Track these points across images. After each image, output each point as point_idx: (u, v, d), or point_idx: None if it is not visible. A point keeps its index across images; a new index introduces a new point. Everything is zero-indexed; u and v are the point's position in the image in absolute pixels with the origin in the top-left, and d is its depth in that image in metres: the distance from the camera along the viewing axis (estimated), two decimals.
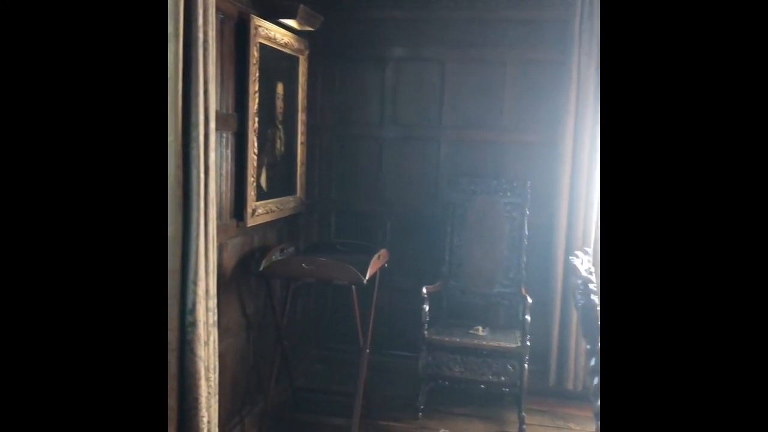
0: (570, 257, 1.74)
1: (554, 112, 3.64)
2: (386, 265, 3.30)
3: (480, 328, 3.46)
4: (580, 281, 1.58)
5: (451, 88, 3.86)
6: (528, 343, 3.28)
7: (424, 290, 3.39)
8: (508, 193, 3.68)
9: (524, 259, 3.62)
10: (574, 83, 3.50)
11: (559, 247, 3.57)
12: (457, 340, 3.36)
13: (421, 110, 3.92)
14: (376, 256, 3.06)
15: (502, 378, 3.30)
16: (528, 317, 3.32)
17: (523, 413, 3.26)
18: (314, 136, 3.88)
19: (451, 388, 3.41)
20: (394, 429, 3.24)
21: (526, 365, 3.27)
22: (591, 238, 3.55)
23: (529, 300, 3.36)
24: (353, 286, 2.92)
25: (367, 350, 3.12)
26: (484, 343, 3.35)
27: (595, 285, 1.74)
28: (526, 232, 3.62)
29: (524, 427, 3.24)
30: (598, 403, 1.54)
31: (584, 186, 3.54)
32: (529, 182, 3.65)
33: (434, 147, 3.90)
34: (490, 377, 3.31)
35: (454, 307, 3.71)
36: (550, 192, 3.63)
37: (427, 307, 3.35)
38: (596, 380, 1.56)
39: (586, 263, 1.84)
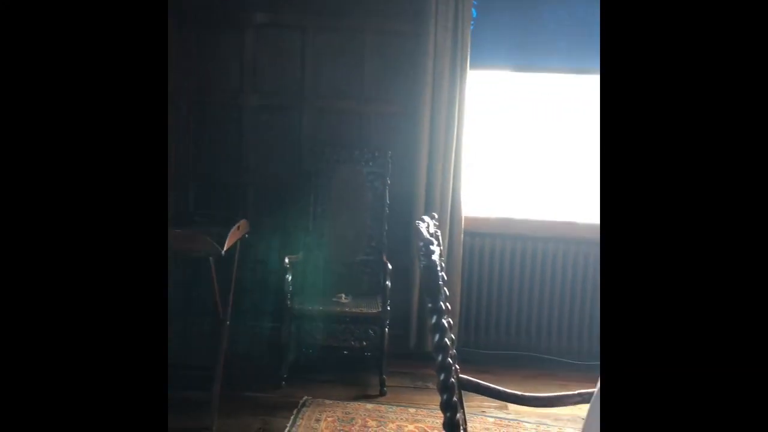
0: (416, 221, 1.79)
1: (413, 83, 3.72)
2: (247, 235, 3.25)
3: (343, 296, 3.52)
4: (421, 243, 1.63)
5: (313, 57, 3.83)
6: (389, 309, 3.37)
7: (287, 260, 3.39)
8: (370, 163, 3.73)
9: (386, 227, 3.70)
10: (431, 55, 3.59)
11: (418, 215, 3.68)
12: (320, 308, 3.39)
13: (282, 79, 3.86)
14: (235, 227, 3.00)
15: (364, 343, 3.38)
16: (389, 283, 3.41)
17: (384, 376, 3.36)
18: (170, 104, 3.71)
19: (314, 356, 3.45)
20: (258, 399, 3.23)
21: (387, 330, 3.37)
22: (448, 206, 3.69)
23: (390, 267, 3.46)
24: (211, 258, 2.85)
25: (228, 322, 3.08)
26: (346, 310, 3.41)
27: (436, 246, 1.81)
28: (388, 201, 3.70)
29: (385, 389, 3.35)
30: (440, 357, 1.62)
31: (441, 156, 3.66)
32: (390, 152, 3.72)
33: (296, 116, 3.87)
34: (353, 343, 3.38)
35: (318, 277, 3.73)
36: (410, 162, 3.72)
37: (289, 277, 3.35)
38: (437, 336, 1.63)
39: (432, 227, 1.91)
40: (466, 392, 2.19)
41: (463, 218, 3.74)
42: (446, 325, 1.66)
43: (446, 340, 1.63)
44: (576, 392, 2.00)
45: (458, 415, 1.89)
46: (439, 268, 1.76)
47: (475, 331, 3.88)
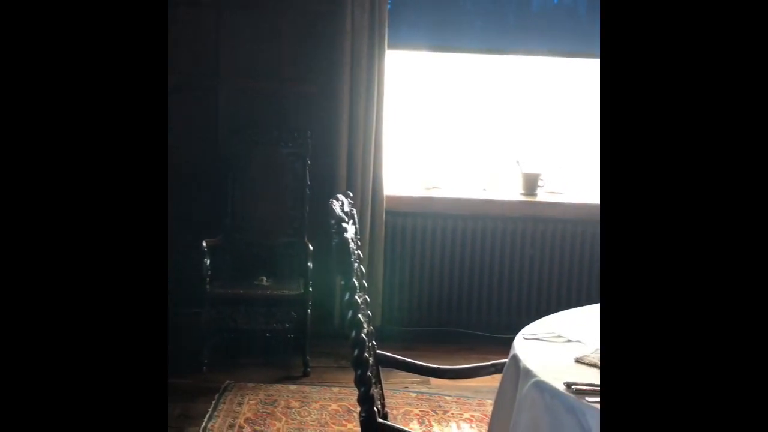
0: (330, 200, 1.79)
1: (332, 63, 3.69)
2: None
3: (264, 279, 3.48)
4: (333, 221, 1.64)
5: (229, 36, 3.74)
6: (311, 290, 3.37)
7: (204, 244, 3.32)
8: (290, 144, 3.69)
9: (307, 208, 3.68)
10: (349, 34, 3.57)
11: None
12: (241, 291, 3.35)
13: (197, 58, 3.76)
14: None
15: (287, 325, 3.36)
16: (310, 265, 3.40)
17: (308, 357, 3.37)
18: None
19: (236, 340, 3.41)
20: (178, 385, 3.16)
21: (309, 311, 3.37)
22: (369, 185, 3.70)
23: (311, 248, 3.44)
24: None
25: None
26: (267, 292, 3.38)
27: (350, 224, 1.82)
28: (309, 182, 3.67)
29: (308, 369, 3.35)
30: (353, 333, 1.64)
31: (362, 135, 3.66)
32: (309, 132, 3.68)
33: (212, 97, 3.77)
34: (275, 325, 3.36)
35: (239, 260, 3.68)
36: (331, 142, 3.71)
37: (208, 261, 3.29)
38: (350, 313, 1.64)
39: (347, 205, 1.91)
40: (387, 368, 2.23)
41: (384, 197, 3.76)
42: (359, 302, 1.68)
43: (360, 316, 1.65)
44: (490, 363, 2.06)
45: (375, 390, 1.92)
46: (353, 246, 1.77)
47: (399, 309, 3.93)
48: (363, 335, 1.63)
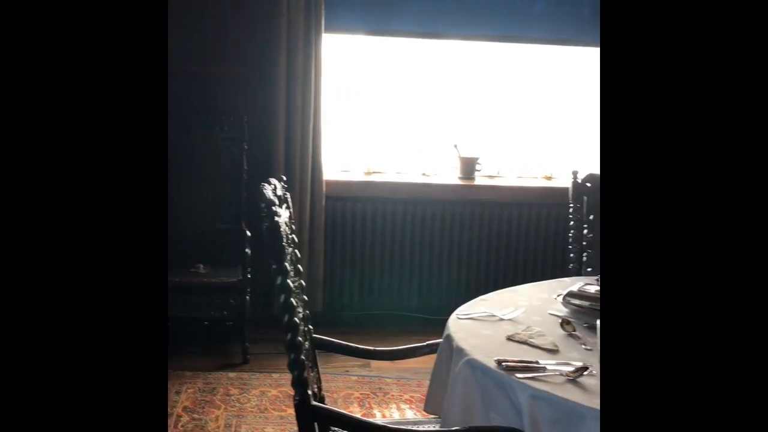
0: (261, 184, 1.77)
1: (268, 46, 3.63)
2: None
3: (201, 266, 3.43)
4: (264, 205, 1.62)
5: None
6: (249, 276, 3.33)
7: None
8: (226, 128, 3.62)
9: (245, 194, 3.62)
10: (285, 16, 3.52)
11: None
12: (177, 279, 3.28)
13: None
14: None
15: (225, 312, 3.32)
16: (248, 251, 3.36)
17: (247, 344, 3.34)
18: None
19: (174, 328, 3.34)
20: None
21: (248, 297, 3.33)
22: (308, 170, 3.67)
23: (249, 234, 3.40)
24: None
25: None
26: (204, 280, 3.33)
27: (283, 208, 1.80)
28: (246, 167, 3.62)
29: (248, 356, 3.33)
30: (286, 318, 1.63)
31: (299, 119, 3.62)
32: (246, 116, 3.62)
33: None
34: (213, 313, 3.31)
35: (175, 247, 3.58)
36: (268, 126, 3.66)
37: None
38: (282, 297, 1.63)
39: (280, 189, 1.89)
40: (327, 352, 2.22)
41: (324, 182, 3.74)
42: (292, 286, 1.67)
43: (293, 300, 1.64)
44: (425, 344, 2.09)
45: (312, 373, 1.92)
46: (286, 230, 1.76)
47: (341, 294, 3.93)
48: (296, 319, 1.62)
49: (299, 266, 1.97)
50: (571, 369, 1.57)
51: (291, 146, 3.64)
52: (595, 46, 4.00)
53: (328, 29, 3.65)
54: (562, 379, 1.54)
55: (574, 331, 1.86)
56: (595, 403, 1.43)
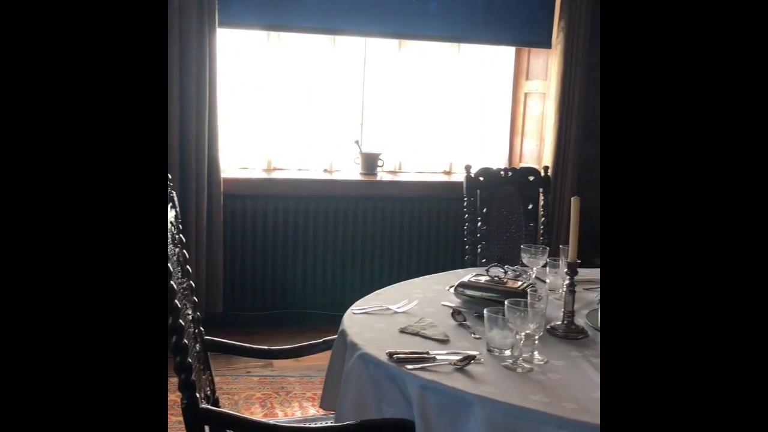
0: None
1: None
2: None
3: None
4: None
5: None
6: None
7: None
8: None
9: None
10: (177, 10, 3.40)
11: (174, 181, 3.52)
12: None
13: None
14: None
15: None
16: None
17: None
18: None
19: None
20: None
21: None
22: (204, 169, 3.57)
23: None
24: None
25: None
26: None
27: (168, 208, 1.74)
28: None
29: None
30: (171, 320, 1.57)
31: (194, 117, 3.51)
32: None
33: None
34: None
35: None
36: None
37: None
38: (168, 299, 1.57)
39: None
40: (227, 354, 2.16)
41: (222, 180, 3.65)
42: (176, 287, 1.61)
43: (176, 302, 1.59)
44: (321, 340, 2.08)
45: (204, 376, 1.87)
46: (171, 230, 1.70)
47: (242, 294, 3.86)
48: (181, 322, 1.57)
49: (188, 267, 1.91)
50: (459, 358, 1.61)
51: (185, 144, 3.52)
52: (488, 43, 4.12)
53: (223, 24, 3.56)
54: (451, 368, 1.58)
55: (465, 320, 1.90)
56: (481, 390, 1.48)
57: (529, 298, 1.69)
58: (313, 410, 2.86)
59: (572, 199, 1.94)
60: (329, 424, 1.74)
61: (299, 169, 4.04)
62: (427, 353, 1.64)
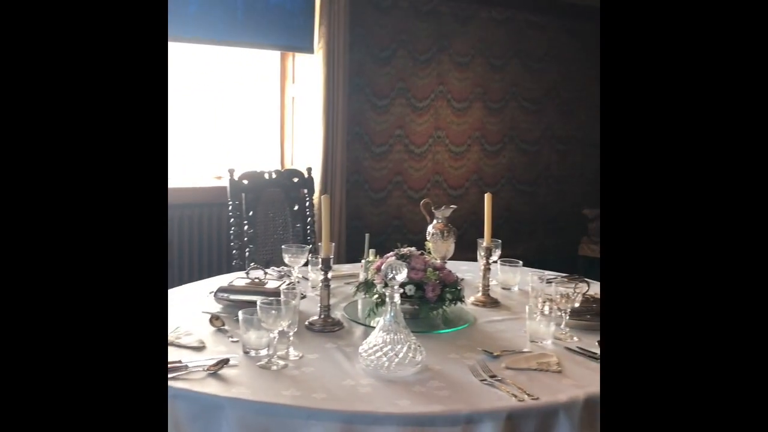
0: None
1: None
2: None
3: None
4: None
5: None
6: None
7: None
8: None
9: None
10: None
11: None
12: None
13: None
14: None
15: None
16: None
17: None
18: None
19: None
20: None
21: None
22: None
23: None
24: None
25: None
26: None
27: None
28: None
29: None
30: None
31: None
32: None
33: None
34: None
35: None
36: None
37: None
38: None
39: None
40: None
41: None
42: None
43: None
44: None
45: None
46: None
47: None
48: None
49: None
50: (213, 362, 1.59)
51: None
52: (250, 47, 4.12)
53: None
54: (204, 374, 1.55)
55: (223, 325, 1.89)
56: (233, 392, 1.47)
57: (282, 296, 1.72)
58: None
59: (322, 197, 2.01)
60: None
61: None
62: (180, 362, 1.60)
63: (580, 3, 5.36)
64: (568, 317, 1.91)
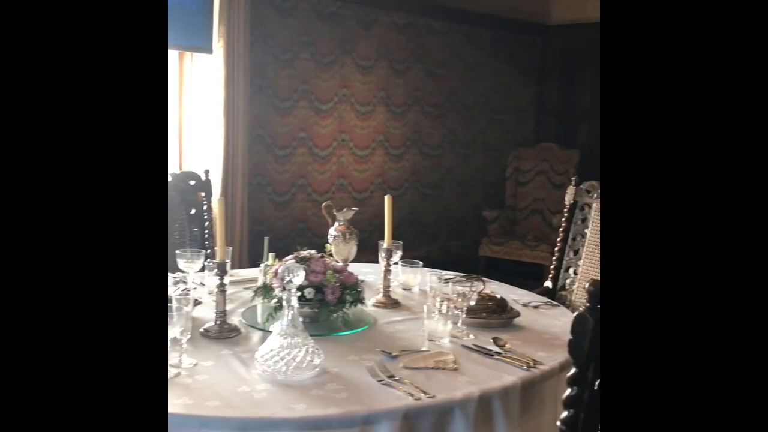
0: None
1: None
2: None
3: None
4: None
5: None
6: None
7: None
8: None
9: None
10: None
11: None
12: None
13: None
14: None
15: None
16: None
17: None
18: None
19: None
20: None
21: None
22: None
23: None
24: None
25: None
26: None
27: None
28: None
29: None
30: None
31: None
32: None
33: None
34: None
35: None
36: None
37: None
38: None
39: None
40: None
41: None
42: None
43: None
44: None
45: None
46: None
47: None
48: None
49: None
50: None
51: None
52: None
53: None
54: None
55: None
56: None
57: (174, 302, 1.66)
58: None
59: (217, 200, 1.96)
60: None
61: None
62: None
63: (478, 10, 5.53)
64: (464, 315, 1.96)
